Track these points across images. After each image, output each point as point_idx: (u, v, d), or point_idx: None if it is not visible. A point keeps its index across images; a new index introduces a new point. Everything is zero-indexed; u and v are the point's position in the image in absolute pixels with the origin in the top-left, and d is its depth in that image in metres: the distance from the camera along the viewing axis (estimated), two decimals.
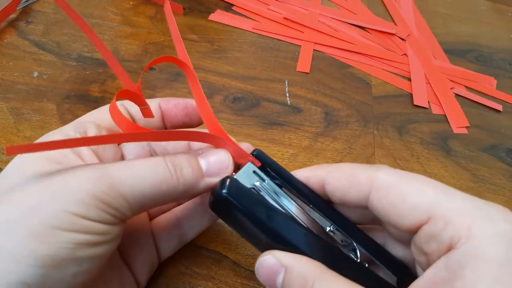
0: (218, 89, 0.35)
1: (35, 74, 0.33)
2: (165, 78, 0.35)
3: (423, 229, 0.16)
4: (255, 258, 0.25)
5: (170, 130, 0.20)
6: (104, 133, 0.20)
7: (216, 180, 0.18)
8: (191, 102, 0.22)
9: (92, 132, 0.19)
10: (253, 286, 0.24)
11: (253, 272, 0.25)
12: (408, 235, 0.17)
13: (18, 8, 0.38)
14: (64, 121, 0.30)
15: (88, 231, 0.16)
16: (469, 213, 0.15)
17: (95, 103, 0.32)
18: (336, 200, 0.19)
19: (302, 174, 0.20)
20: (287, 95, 0.36)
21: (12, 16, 0.38)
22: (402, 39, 0.44)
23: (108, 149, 0.20)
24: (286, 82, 0.37)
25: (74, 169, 0.17)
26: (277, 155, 0.31)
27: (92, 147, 0.19)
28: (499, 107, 0.39)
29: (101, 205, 0.16)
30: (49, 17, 0.39)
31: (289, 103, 0.35)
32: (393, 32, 0.45)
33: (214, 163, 0.19)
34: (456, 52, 0.44)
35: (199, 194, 0.19)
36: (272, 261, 0.17)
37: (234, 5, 0.44)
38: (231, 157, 0.19)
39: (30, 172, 0.17)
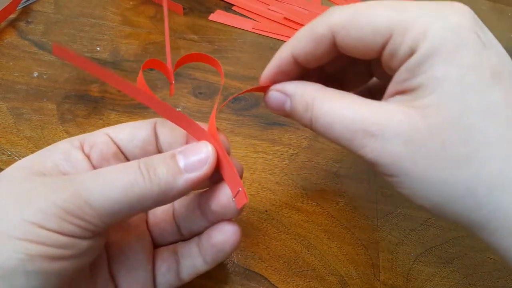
0: (218, 89, 0.35)
1: (35, 74, 0.33)
2: (165, 78, 0.35)
3: (386, 47, 0.17)
4: (255, 258, 0.25)
5: (179, 112, 0.18)
6: (111, 148, 0.19)
7: (196, 175, 0.17)
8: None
9: (99, 144, 0.19)
10: (253, 286, 0.24)
11: (253, 272, 0.25)
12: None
13: (18, 8, 0.38)
14: (64, 121, 0.30)
15: (45, 243, 0.14)
16: (423, 19, 0.16)
17: (95, 103, 0.32)
18: (310, 64, 0.19)
19: (272, 67, 0.20)
20: None
21: (12, 16, 0.38)
22: None
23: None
24: None
25: (43, 179, 0.16)
26: (277, 155, 0.31)
27: (96, 163, 0.18)
28: None
29: (64, 214, 0.15)
30: (49, 17, 0.39)
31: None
32: None
33: (193, 157, 0.17)
34: None
35: (184, 194, 0.17)
36: (276, 94, 0.20)
37: (234, 5, 0.44)
38: (212, 148, 0.18)
39: (14, 178, 0.16)
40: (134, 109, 0.32)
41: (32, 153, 0.28)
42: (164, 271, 0.21)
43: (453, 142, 0.15)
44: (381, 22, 0.16)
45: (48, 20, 0.38)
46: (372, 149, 0.17)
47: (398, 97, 0.17)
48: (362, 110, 0.17)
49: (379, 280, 0.25)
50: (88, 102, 0.32)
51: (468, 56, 0.15)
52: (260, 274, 0.25)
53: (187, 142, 0.20)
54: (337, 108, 0.17)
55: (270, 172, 0.30)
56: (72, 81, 0.33)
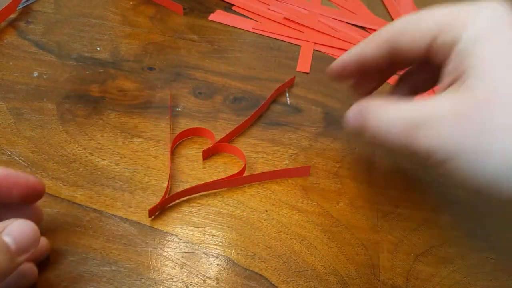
0: (218, 89, 0.35)
1: (35, 74, 0.33)
2: (165, 78, 0.35)
3: (438, 39, 0.20)
4: (255, 258, 0.25)
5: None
6: None
7: (25, 257, 0.18)
8: (33, 180, 0.21)
9: None
10: (253, 286, 0.24)
11: (253, 272, 0.25)
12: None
13: (18, 8, 0.38)
14: (64, 121, 0.30)
15: None
16: (464, 12, 0.19)
17: (95, 103, 0.32)
18: (371, 64, 0.24)
19: (340, 61, 0.26)
20: (287, 95, 0.36)
21: (12, 16, 0.38)
22: None
23: None
24: None
25: None
26: (277, 155, 0.31)
27: None
28: None
29: None
30: (49, 17, 0.39)
31: (289, 103, 0.35)
32: None
33: (23, 242, 0.18)
34: None
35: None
36: (356, 109, 0.24)
37: (234, 5, 0.44)
38: (37, 229, 0.19)
39: None
40: (134, 109, 0.32)
41: (32, 153, 0.28)
42: None
43: (500, 112, 0.17)
44: (431, 19, 0.20)
45: (48, 20, 0.38)
46: (425, 136, 0.18)
47: (449, 89, 0.19)
48: (415, 108, 0.19)
49: (379, 280, 0.25)
50: (88, 102, 0.32)
51: (504, 39, 0.18)
52: (260, 274, 0.25)
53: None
54: (394, 113, 0.20)
55: None
56: (72, 81, 0.33)
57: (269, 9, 0.44)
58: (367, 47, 0.23)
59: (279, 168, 0.30)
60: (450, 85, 0.19)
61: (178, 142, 0.30)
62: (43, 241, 0.22)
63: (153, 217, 0.26)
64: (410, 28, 0.21)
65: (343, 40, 0.42)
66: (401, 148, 0.20)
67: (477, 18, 0.18)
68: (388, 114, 0.21)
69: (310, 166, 0.30)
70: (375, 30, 0.45)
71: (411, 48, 0.21)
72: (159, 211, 0.26)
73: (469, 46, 0.18)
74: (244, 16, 0.43)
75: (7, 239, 0.17)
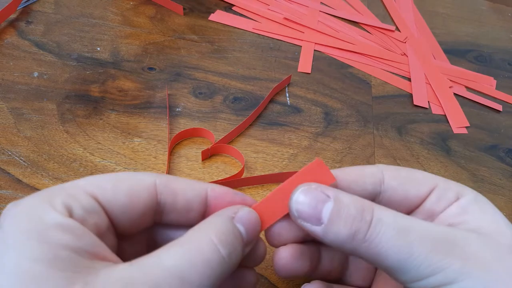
0: (218, 89, 0.35)
1: (35, 74, 0.33)
2: (165, 78, 0.35)
3: (433, 194, 0.19)
4: None
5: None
6: (104, 221, 0.16)
7: (251, 247, 0.17)
8: (242, 196, 0.19)
9: (80, 208, 0.15)
10: None
11: None
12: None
13: (18, 8, 0.38)
14: (64, 121, 0.30)
15: None
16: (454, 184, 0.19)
17: (95, 103, 0.32)
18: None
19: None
20: (287, 95, 0.36)
21: (12, 16, 0.38)
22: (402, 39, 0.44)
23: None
24: None
25: (120, 272, 0.14)
26: (277, 155, 0.31)
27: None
28: (499, 107, 0.39)
29: None
30: (49, 17, 0.39)
31: (289, 103, 0.35)
32: (393, 29, 0.45)
33: (252, 231, 0.17)
34: (456, 52, 0.44)
35: None
36: (315, 191, 0.17)
37: (234, 5, 0.44)
38: (259, 220, 0.18)
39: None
40: (135, 109, 0.32)
41: (32, 153, 0.28)
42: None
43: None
44: (428, 179, 0.20)
45: (48, 20, 0.38)
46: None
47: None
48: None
49: None
50: (89, 102, 0.32)
51: (497, 214, 0.18)
52: (260, 274, 0.25)
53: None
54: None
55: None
56: (72, 81, 0.33)
57: (269, 9, 0.44)
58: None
59: (279, 167, 0.30)
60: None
61: (176, 142, 0.30)
62: (262, 245, 0.19)
63: None
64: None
65: (343, 40, 0.42)
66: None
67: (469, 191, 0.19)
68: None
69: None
70: (374, 29, 0.45)
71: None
72: None
73: (473, 204, 0.18)
74: (244, 16, 0.43)
75: (239, 227, 0.16)
